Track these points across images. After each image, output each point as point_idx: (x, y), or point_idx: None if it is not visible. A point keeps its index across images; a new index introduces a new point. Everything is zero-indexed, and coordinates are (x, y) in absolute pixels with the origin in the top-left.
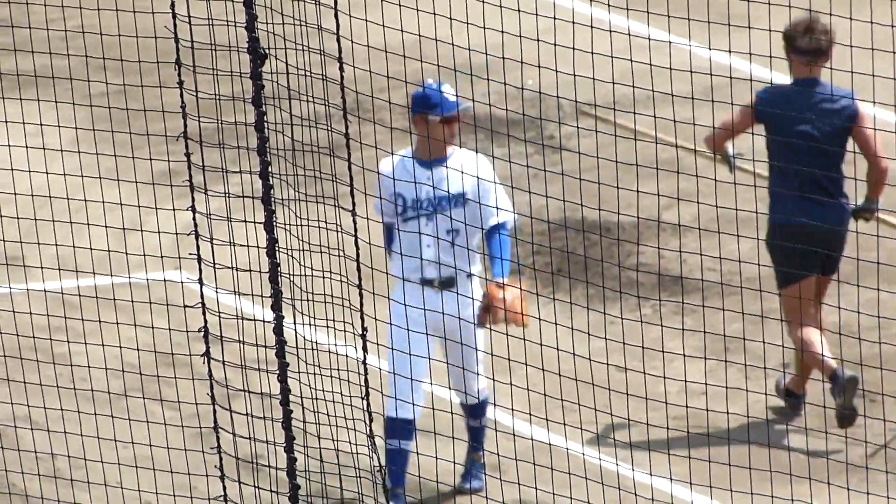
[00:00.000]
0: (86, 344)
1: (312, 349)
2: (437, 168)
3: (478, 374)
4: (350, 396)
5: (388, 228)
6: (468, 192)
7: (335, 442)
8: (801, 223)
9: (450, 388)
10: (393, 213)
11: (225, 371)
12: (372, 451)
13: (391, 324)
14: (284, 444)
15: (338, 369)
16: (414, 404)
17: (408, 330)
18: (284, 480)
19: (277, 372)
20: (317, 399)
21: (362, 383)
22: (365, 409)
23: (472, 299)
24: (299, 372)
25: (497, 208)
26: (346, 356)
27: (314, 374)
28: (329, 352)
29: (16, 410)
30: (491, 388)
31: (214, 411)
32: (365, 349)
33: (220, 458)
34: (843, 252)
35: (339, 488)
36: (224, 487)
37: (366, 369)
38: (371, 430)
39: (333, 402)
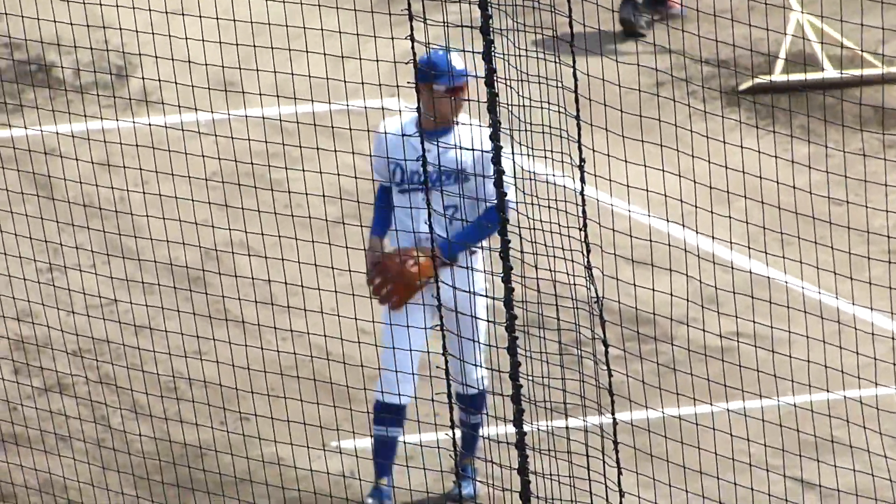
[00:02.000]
0: (303, 171)
1: (530, 179)
2: (440, 139)
3: (477, 363)
4: (567, 227)
5: (383, 189)
6: (468, 168)
7: (552, 272)
8: None
9: (447, 377)
10: (387, 178)
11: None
12: (590, 282)
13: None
14: (502, 275)
15: (555, 199)
16: (408, 394)
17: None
18: (501, 310)
19: (495, 202)
20: (534, 229)
21: (580, 214)
22: (582, 239)
23: (472, 275)
24: (517, 202)
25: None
26: (564, 187)
27: (532, 203)
28: (546, 182)
29: (232, 236)
30: (490, 379)
31: (432, 241)
32: (583, 180)
33: (437, 286)
34: None
35: (556, 318)
36: (441, 316)
37: (583, 200)
38: (589, 260)
39: (551, 232)
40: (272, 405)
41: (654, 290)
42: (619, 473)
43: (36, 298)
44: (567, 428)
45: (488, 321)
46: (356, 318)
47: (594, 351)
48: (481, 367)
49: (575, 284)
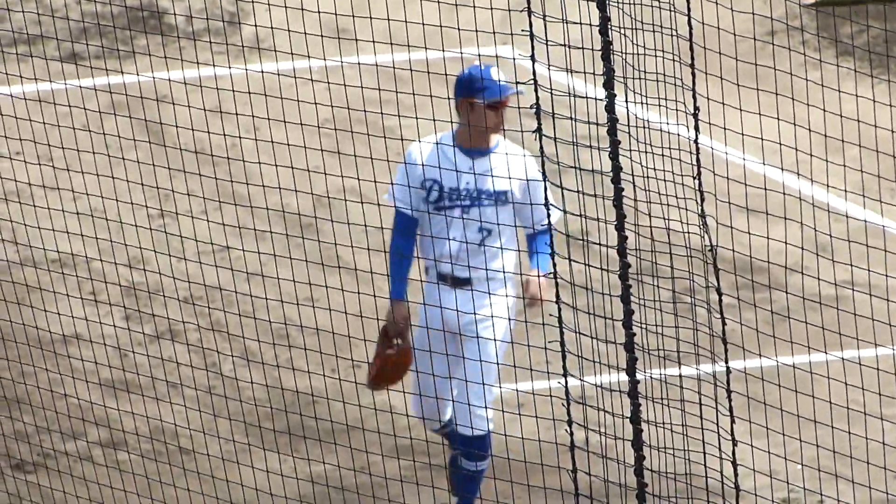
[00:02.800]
0: (416, 118)
1: (644, 127)
2: (481, 159)
3: (489, 393)
4: (681, 175)
5: (405, 220)
6: (513, 191)
7: (666, 221)
8: None
9: (451, 417)
10: (415, 204)
11: (556, 148)
12: (703, 230)
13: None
14: (615, 223)
15: (669, 147)
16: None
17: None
18: (615, 258)
19: (609, 150)
20: (648, 178)
21: (694, 162)
22: (696, 187)
23: (497, 304)
24: (630, 150)
25: (547, 213)
26: (678, 135)
27: (645, 152)
28: (660, 130)
29: (344, 183)
30: (496, 422)
31: (545, 187)
32: (697, 128)
33: (551, 235)
34: None
35: (670, 266)
36: (554, 265)
37: (698, 148)
38: (702, 208)
39: (665, 180)
40: None
41: (767, 238)
42: (732, 422)
43: (147, 245)
44: (680, 376)
45: (506, 341)
46: (470, 267)
47: (707, 299)
48: (489, 408)
49: (688, 233)
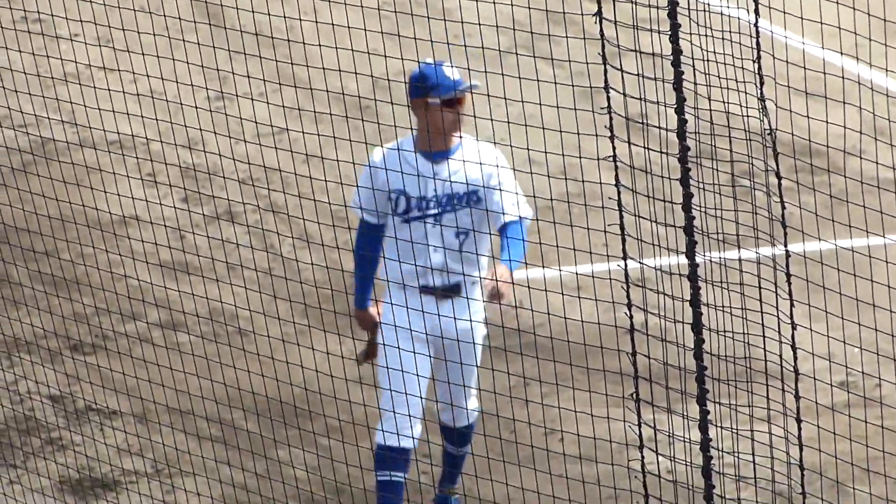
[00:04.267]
0: (476, 1)
1: (704, 11)
2: (444, 162)
3: (469, 393)
4: (741, 59)
5: (370, 227)
6: (480, 190)
7: (725, 104)
8: None
9: (437, 405)
10: (381, 214)
11: (616, 31)
12: (762, 113)
13: (384, 344)
14: (675, 106)
15: (729, 31)
16: (412, 435)
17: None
18: (674, 142)
19: (669, 33)
20: (707, 61)
21: (753, 46)
22: (756, 71)
23: (477, 309)
24: (690, 33)
25: (515, 205)
26: (738, 19)
27: (705, 35)
28: (721, 14)
29: (404, 65)
30: (480, 410)
31: (605, 70)
32: (757, 12)
33: (611, 118)
34: None
35: (729, 150)
36: (614, 148)
37: (757, 32)
38: (762, 92)
39: (724, 64)
40: None
41: (826, 122)
42: (791, 305)
43: (206, 126)
44: (739, 260)
45: (485, 345)
46: (527, 149)
47: (766, 182)
48: (473, 399)
49: (747, 116)
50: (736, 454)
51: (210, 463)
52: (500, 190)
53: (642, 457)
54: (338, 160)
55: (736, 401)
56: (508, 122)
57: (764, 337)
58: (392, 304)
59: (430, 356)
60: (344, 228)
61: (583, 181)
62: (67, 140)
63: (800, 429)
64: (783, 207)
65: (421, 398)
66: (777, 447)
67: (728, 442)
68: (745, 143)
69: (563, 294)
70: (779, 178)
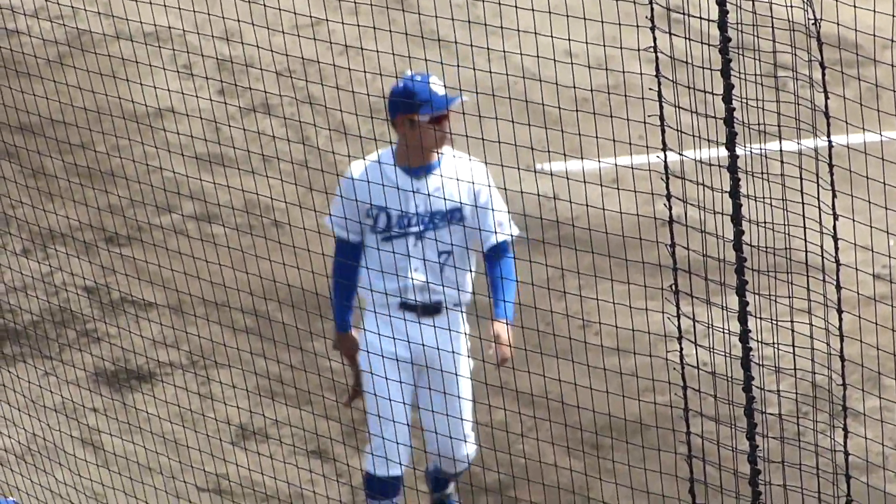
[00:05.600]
0: None
1: None
2: (427, 177)
3: (464, 433)
4: None
5: (348, 246)
6: (464, 207)
7: None
8: None
9: (425, 452)
10: (359, 230)
11: None
12: (807, 3)
13: (365, 371)
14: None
15: None
16: (400, 461)
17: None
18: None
19: None
20: None
21: None
22: None
23: (460, 332)
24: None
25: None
26: None
27: None
28: None
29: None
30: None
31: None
32: None
33: (651, 9)
34: None
35: (772, 40)
36: (654, 39)
37: None
38: None
39: None
40: (482, 126)
41: (874, 10)
42: (834, 196)
43: (242, 17)
44: (781, 151)
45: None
46: (551, 37)
47: (810, 73)
48: (469, 439)
49: (791, 6)
50: (775, 346)
51: (245, 355)
52: (488, 209)
53: (680, 348)
54: (377, 51)
55: (776, 292)
56: (550, 13)
57: (805, 228)
58: (366, 330)
59: (412, 382)
60: (381, 120)
61: (623, 72)
62: (103, 31)
63: (841, 320)
64: (826, 97)
65: (407, 424)
66: (817, 338)
67: (767, 334)
68: (788, 34)
69: (601, 186)
70: (822, 68)
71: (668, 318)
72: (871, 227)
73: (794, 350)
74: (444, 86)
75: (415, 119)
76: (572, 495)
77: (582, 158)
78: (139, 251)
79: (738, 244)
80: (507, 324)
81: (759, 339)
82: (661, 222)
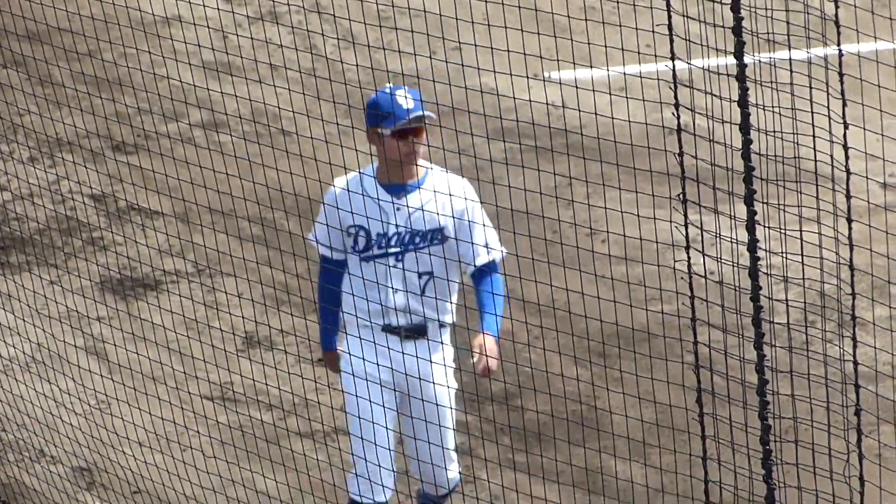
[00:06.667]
0: None
1: None
2: (408, 196)
3: (447, 456)
4: None
5: (332, 263)
6: (447, 227)
7: None
8: None
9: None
10: (343, 247)
11: None
12: None
13: (346, 392)
14: None
15: None
16: (383, 484)
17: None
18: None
19: None
20: None
21: None
22: None
23: (443, 357)
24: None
25: (489, 246)
26: None
27: None
28: None
29: None
30: (462, 468)
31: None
32: None
33: None
34: None
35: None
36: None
37: None
38: None
39: None
40: (490, 34)
41: None
42: (844, 104)
43: None
44: (790, 59)
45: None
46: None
47: None
48: (451, 466)
49: None
50: (784, 255)
51: (251, 263)
52: (474, 228)
53: (688, 257)
54: None
55: (784, 201)
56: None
57: (814, 137)
58: (350, 354)
59: (395, 407)
60: (389, 28)
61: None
62: None
63: (850, 228)
64: (837, 6)
65: (389, 450)
66: (826, 247)
67: (775, 243)
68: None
69: (609, 94)
70: None
71: (676, 226)
72: (882, 135)
73: (802, 259)
74: (419, 99)
75: (381, 132)
76: (579, 404)
77: (591, 67)
78: (146, 159)
79: (746, 153)
80: (493, 337)
81: (767, 249)
82: (668, 131)
